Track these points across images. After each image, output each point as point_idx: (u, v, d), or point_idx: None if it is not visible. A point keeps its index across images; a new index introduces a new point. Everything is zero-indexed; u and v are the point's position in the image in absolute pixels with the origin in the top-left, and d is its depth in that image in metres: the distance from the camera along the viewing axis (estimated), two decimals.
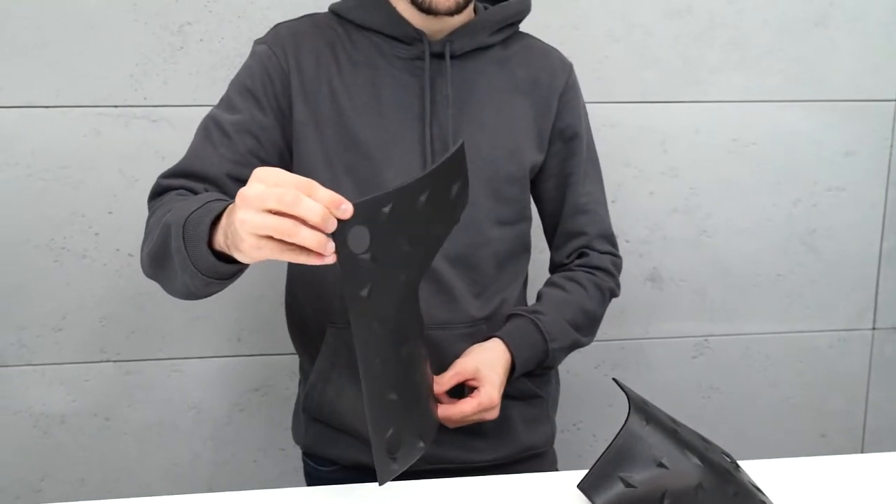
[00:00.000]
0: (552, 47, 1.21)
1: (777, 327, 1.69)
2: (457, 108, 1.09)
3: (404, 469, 0.87)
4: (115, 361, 1.53)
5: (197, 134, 1.08)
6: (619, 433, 0.91)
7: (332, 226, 0.71)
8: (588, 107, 1.51)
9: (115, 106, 1.43)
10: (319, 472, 1.19)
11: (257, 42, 1.12)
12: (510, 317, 1.13)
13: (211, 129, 1.06)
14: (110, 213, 1.47)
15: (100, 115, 1.43)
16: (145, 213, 1.48)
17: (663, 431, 0.92)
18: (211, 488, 1.61)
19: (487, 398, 1.02)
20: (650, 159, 1.58)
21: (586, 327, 1.18)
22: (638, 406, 0.94)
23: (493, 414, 1.03)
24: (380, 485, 0.85)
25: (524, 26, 1.21)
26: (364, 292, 0.77)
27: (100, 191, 1.46)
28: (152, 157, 1.45)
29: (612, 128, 1.56)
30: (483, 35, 1.11)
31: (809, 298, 1.68)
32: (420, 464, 1.05)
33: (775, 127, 1.60)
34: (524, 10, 1.16)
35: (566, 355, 1.17)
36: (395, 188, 0.76)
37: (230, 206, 0.80)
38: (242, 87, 1.08)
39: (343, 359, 1.09)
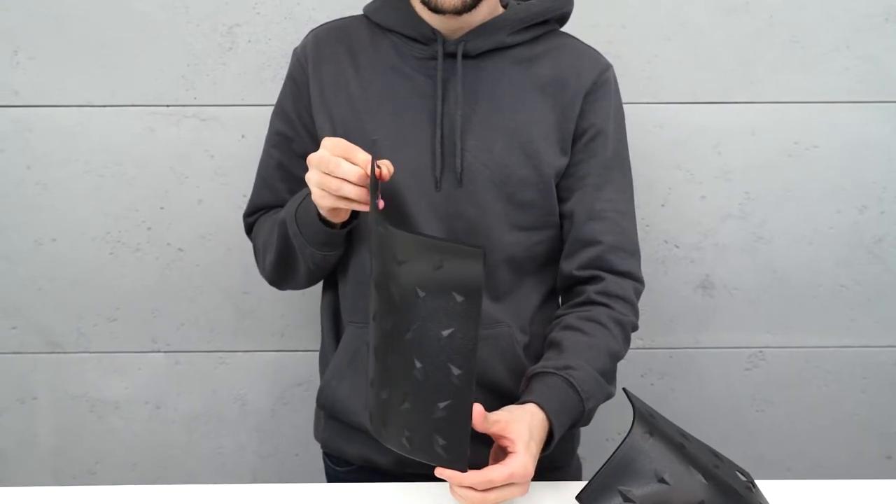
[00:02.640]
0: (590, 48, 1.16)
1: (839, 341, 1.60)
2: (469, 109, 1.07)
3: (390, 446, 0.90)
4: (165, 352, 1.59)
5: (259, 166, 1.21)
6: (620, 445, 0.88)
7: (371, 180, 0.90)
8: (636, 107, 1.49)
9: (168, 105, 1.48)
10: (336, 471, 1.20)
11: (294, 52, 1.18)
12: (539, 375, 1.00)
13: (265, 163, 1.20)
14: (162, 208, 1.52)
15: (153, 114, 1.48)
16: (195, 208, 1.55)
17: (668, 446, 0.89)
18: (255, 479, 1.66)
19: (521, 468, 0.86)
20: (702, 162, 1.52)
21: (613, 373, 1.08)
22: (643, 418, 0.90)
23: (523, 490, 0.88)
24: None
25: (567, 26, 1.18)
26: (371, 245, 0.90)
27: (152, 187, 1.51)
28: (202, 155, 1.50)
29: (661, 129, 1.51)
30: (501, 34, 1.09)
31: (875, 311, 1.58)
32: (429, 469, 1.05)
33: (840, 129, 1.51)
34: (552, 10, 1.12)
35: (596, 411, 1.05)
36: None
37: None
38: (280, 109, 1.18)
39: (359, 357, 1.10)
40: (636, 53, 1.48)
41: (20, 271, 1.54)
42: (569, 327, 1.07)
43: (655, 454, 0.87)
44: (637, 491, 0.86)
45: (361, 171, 0.90)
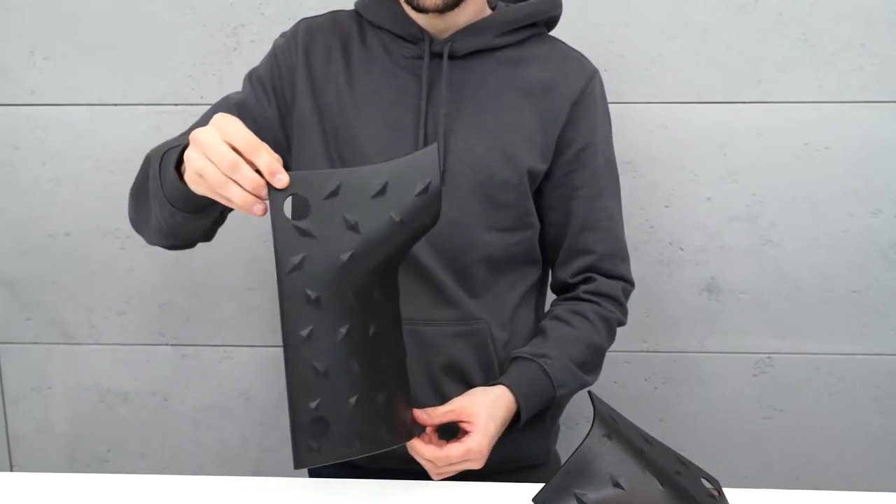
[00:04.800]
0: (577, 53, 1.16)
1: (851, 348, 1.55)
2: (454, 109, 1.07)
3: (329, 461, 0.85)
4: (172, 345, 1.62)
5: (203, 115, 1.11)
6: (578, 447, 0.88)
7: (265, 193, 0.79)
8: (639, 107, 1.48)
9: (175, 104, 1.51)
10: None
11: (281, 35, 1.17)
12: (514, 359, 1.08)
13: (219, 107, 1.11)
14: None
15: (160, 113, 1.52)
16: None
17: (627, 450, 0.87)
18: (259, 472, 1.68)
19: (476, 445, 0.95)
20: (707, 163, 1.49)
21: (593, 364, 1.13)
22: (604, 421, 0.89)
23: (479, 464, 0.97)
24: (294, 468, 0.84)
25: (569, 25, 1.17)
26: (296, 259, 0.82)
27: None
28: None
29: (664, 129, 1.48)
30: (488, 36, 1.08)
31: (890, 318, 1.53)
32: (403, 463, 1.06)
33: (852, 130, 1.46)
34: (540, 12, 1.11)
35: (569, 399, 1.12)
36: (345, 169, 0.84)
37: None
38: (256, 76, 1.14)
39: None
40: (639, 53, 1.46)
41: (36, 264, 1.59)
42: (556, 318, 1.13)
43: (612, 458, 0.86)
44: (592, 495, 0.85)
45: (259, 183, 0.78)
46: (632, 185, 1.50)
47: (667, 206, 1.52)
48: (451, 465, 0.94)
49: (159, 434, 1.67)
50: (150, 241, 1.07)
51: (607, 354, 1.54)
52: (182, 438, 1.67)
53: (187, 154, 0.81)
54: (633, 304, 1.54)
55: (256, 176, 0.78)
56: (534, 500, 0.88)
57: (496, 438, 0.99)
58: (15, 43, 1.50)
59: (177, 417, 1.66)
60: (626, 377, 1.59)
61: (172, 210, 0.92)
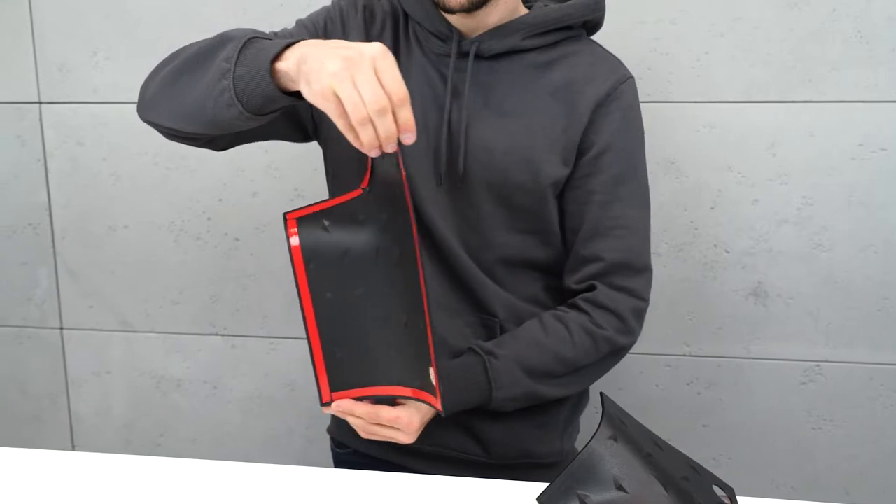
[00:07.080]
0: (612, 57, 1.12)
1: None
2: (477, 109, 1.07)
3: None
4: (222, 335, 1.68)
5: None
6: (583, 448, 0.87)
7: (391, 148, 0.82)
8: (685, 106, 1.45)
9: None
10: (337, 453, 1.24)
11: (336, 3, 1.14)
12: (469, 350, 1.06)
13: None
14: (220, 200, 1.61)
15: None
16: (250, 200, 1.61)
17: (633, 453, 0.86)
18: (304, 462, 1.72)
19: (407, 416, 0.97)
20: (756, 164, 1.45)
21: (561, 376, 1.07)
22: (611, 422, 0.88)
23: (407, 438, 0.98)
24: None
25: (612, 22, 1.14)
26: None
27: (212, 180, 1.61)
28: (256, 149, 1.57)
29: (711, 129, 1.45)
30: (516, 38, 1.07)
31: None
32: (420, 442, 1.08)
33: None
34: (573, 16, 1.09)
35: (522, 404, 1.07)
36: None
37: (308, 43, 0.84)
38: (309, 20, 1.13)
39: None
40: (686, 50, 1.44)
41: (96, 255, 1.67)
42: (539, 320, 1.08)
43: (617, 460, 0.86)
44: (595, 497, 0.85)
45: (395, 135, 0.81)
46: (676, 187, 1.48)
47: (712, 208, 1.48)
48: (378, 424, 0.97)
49: (209, 421, 1.73)
50: (162, 122, 1.01)
51: (649, 357, 1.55)
52: (230, 426, 1.72)
53: (332, 71, 0.78)
54: (675, 306, 1.53)
55: (395, 127, 0.80)
56: (538, 499, 0.88)
57: (427, 420, 1.01)
58: (79, 44, 1.58)
59: (226, 405, 1.71)
60: (668, 381, 1.56)
61: (232, 100, 0.87)
